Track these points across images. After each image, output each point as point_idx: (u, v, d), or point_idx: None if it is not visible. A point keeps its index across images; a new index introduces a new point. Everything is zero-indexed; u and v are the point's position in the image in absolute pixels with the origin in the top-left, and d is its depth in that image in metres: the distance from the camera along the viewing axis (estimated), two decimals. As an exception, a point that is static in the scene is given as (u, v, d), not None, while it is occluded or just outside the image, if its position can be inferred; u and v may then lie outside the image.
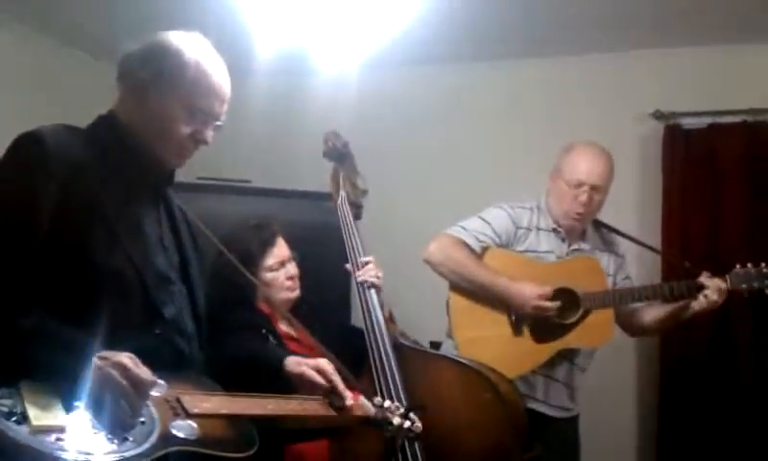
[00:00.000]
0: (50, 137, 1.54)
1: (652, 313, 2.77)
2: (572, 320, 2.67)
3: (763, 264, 2.58)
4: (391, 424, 1.82)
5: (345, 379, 1.80)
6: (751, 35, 3.55)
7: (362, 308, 2.36)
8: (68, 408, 1.35)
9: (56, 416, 1.32)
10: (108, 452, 1.31)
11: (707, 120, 3.68)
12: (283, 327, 2.36)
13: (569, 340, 2.68)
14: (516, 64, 3.99)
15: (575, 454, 2.88)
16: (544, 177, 2.87)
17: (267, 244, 2.37)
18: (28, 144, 1.53)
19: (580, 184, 2.70)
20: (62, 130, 1.60)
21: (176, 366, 1.59)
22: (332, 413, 1.76)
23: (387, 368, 2.25)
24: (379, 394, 2.12)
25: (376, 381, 2.22)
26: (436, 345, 2.89)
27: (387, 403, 1.86)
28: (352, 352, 2.21)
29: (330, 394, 1.77)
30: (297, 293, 2.42)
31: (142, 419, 1.40)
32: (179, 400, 1.48)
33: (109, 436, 1.34)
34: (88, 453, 1.29)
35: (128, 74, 1.67)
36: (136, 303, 1.57)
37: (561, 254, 2.79)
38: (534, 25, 3.59)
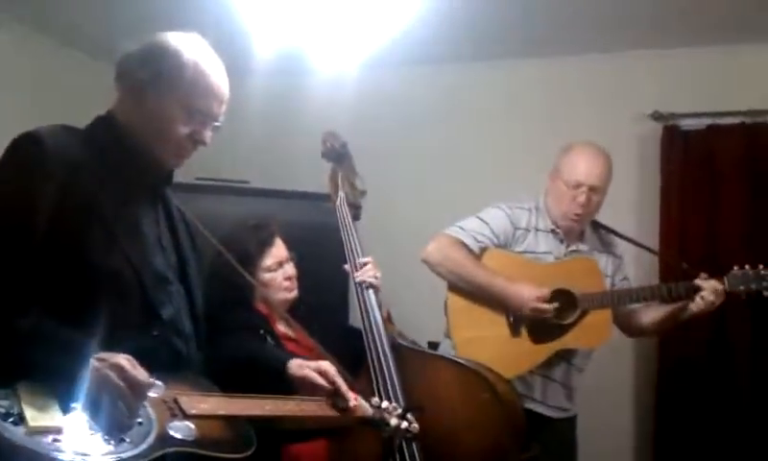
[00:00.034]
0: (48, 138, 1.54)
1: (650, 314, 2.77)
2: (570, 320, 2.67)
3: (761, 266, 2.58)
4: (388, 424, 1.83)
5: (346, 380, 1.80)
6: (749, 35, 3.54)
7: (360, 309, 2.36)
8: (65, 409, 1.35)
9: (53, 417, 1.32)
10: (105, 453, 1.32)
11: (705, 121, 3.68)
12: (281, 327, 2.36)
13: (567, 341, 2.69)
14: (514, 64, 3.99)
15: (572, 455, 2.88)
16: (543, 177, 2.87)
17: (265, 244, 2.37)
18: (26, 145, 1.53)
19: (578, 185, 2.70)
20: (61, 130, 1.61)
21: (173, 366, 1.60)
22: (329, 413, 1.76)
23: (385, 368, 2.25)
24: (377, 394, 2.12)
25: (374, 381, 2.23)
26: (434, 345, 2.89)
27: (384, 404, 1.87)
28: (350, 353, 2.21)
29: (333, 396, 1.77)
30: (295, 293, 2.42)
31: (139, 420, 1.40)
32: (176, 401, 1.48)
33: (106, 437, 1.34)
34: (85, 454, 1.29)
35: (126, 74, 1.67)
36: (134, 304, 1.57)
37: (559, 255, 2.79)
38: (533, 25, 3.59)
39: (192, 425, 1.45)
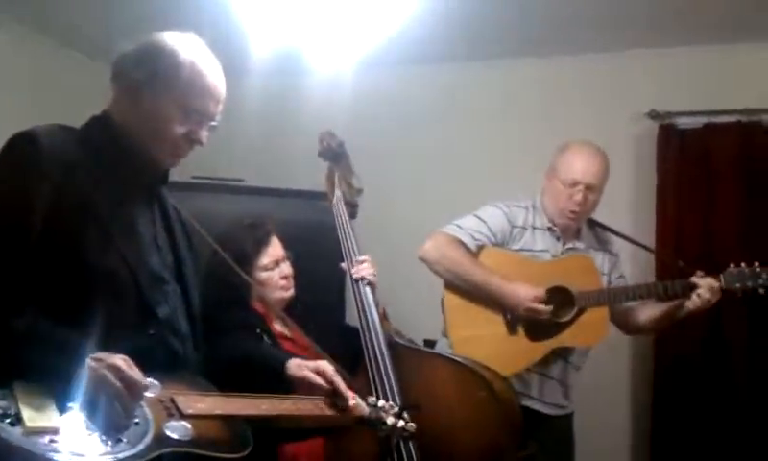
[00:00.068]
0: (44, 137, 1.54)
1: (647, 312, 2.78)
2: (567, 318, 2.67)
3: (757, 264, 2.58)
4: (385, 423, 1.83)
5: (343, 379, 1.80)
6: (746, 34, 3.55)
7: (357, 307, 2.36)
8: (62, 409, 1.35)
9: (50, 417, 1.32)
10: (102, 454, 1.31)
11: (701, 120, 3.68)
12: (278, 326, 2.36)
13: (564, 338, 2.69)
14: (511, 64, 3.99)
15: (569, 452, 2.88)
16: (540, 176, 2.88)
17: (261, 243, 2.37)
18: (22, 144, 1.53)
19: (575, 183, 2.70)
20: (57, 129, 1.60)
21: (170, 366, 1.59)
22: (327, 413, 1.76)
23: (382, 366, 2.25)
24: (374, 393, 2.12)
25: (371, 380, 2.22)
26: (430, 343, 2.90)
27: (381, 403, 1.87)
28: (347, 352, 2.22)
29: (332, 395, 1.77)
30: (291, 292, 2.42)
31: (136, 420, 1.40)
32: (173, 401, 1.47)
33: (103, 437, 1.34)
34: (82, 455, 1.29)
35: (122, 74, 1.67)
36: (130, 304, 1.57)
37: (555, 253, 2.80)
38: (530, 24, 3.59)
39: (189, 425, 1.45)
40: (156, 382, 1.46)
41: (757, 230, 3.49)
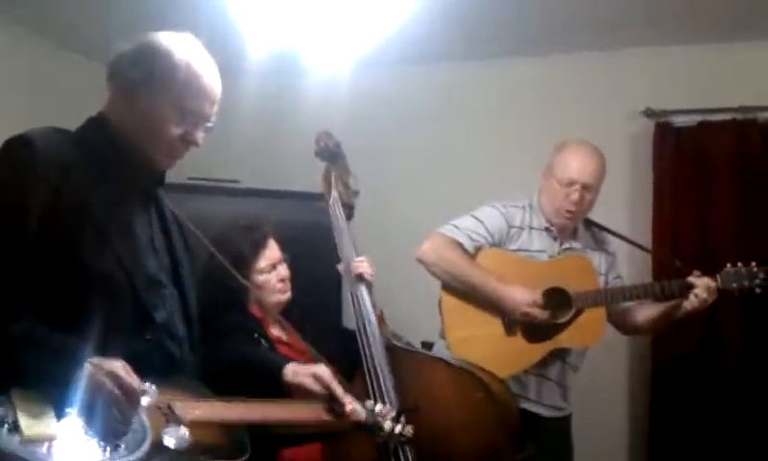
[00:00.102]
0: (39, 140, 1.53)
1: (645, 312, 2.78)
2: (564, 320, 2.67)
3: (753, 263, 2.58)
4: (382, 428, 1.82)
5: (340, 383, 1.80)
6: (741, 33, 3.55)
7: (354, 310, 2.35)
8: (60, 416, 1.34)
9: (48, 424, 1.31)
10: (100, 461, 1.31)
11: (697, 118, 3.68)
12: (274, 331, 2.35)
13: (561, 340, 2.69)
14: (508, 63, 3.99)
15: (568, 454, 2.88)
16: (537, 175, 2.87)
17: (258, 246, 2.36)
18: (17, 147, 1.52)
19: (571, 183, 2.70)
20: (52, 132, 1.60)
21: (167, 370, 1.59)
22: (324, 418, 1.75)
23: (379, 370, 2.24)
24: (371, 396, 2.12)
25: (368, 383, 2.22)
26: (428, 345, 2.89)
27: (378, 407, 1.86)
28: (344, 355, 2.21)
29: (329, 400, 1.77)
30: (288, 295, 2.41)
31: (134, 426, 1.39)
32: (170, 408, 1.47)
33: (101, 444, 1.33)
34: (79, 463, 1.29)
35: (118, 75, 1.66)
36: (127, 307, 1.57)
37: (552, 253, 2.79)
38: (527, 24, 3.59)
39: (186, 432, 1.44)
40: (153, 388, 1.45)
41: (754, 227, 3.50)
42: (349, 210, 2.51)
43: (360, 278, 2.37)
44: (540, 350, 2.69)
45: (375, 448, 2.04)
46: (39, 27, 3.79)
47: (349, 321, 2.41)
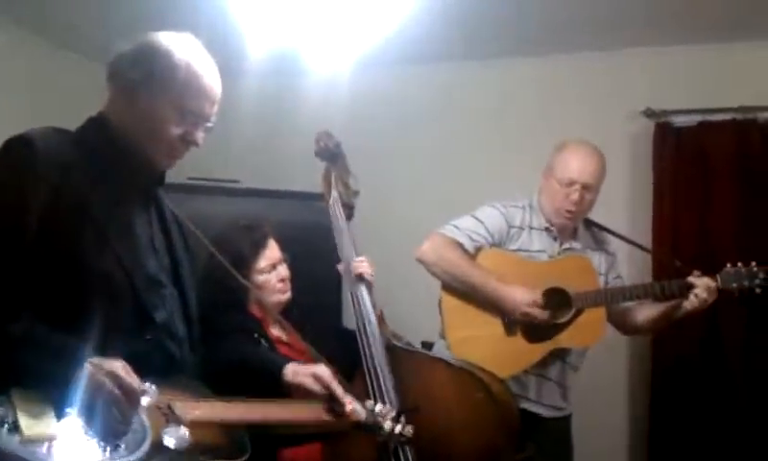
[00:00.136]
0: (39, 140, 1.53)
1: (645, 312, 2.78)
2: (565, 320, 2.67)
3: (753, 263, 2.58)
4: (382, 428, 1.82)
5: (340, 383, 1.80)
6: (741, 33, 3.55)
7: (354, 310, 2.35)
8: (60, 416, 1.34)
9: (48, 424, 1.31)
10: (100, 461, 1.31)
11: (697, 118, 3.68)
12: (274, 331, 2.35)
13: (561, 340, 2.69)
14: (508, 63, 3.98)
15: (568, 454, 2.88)
16: (537, 175, 2.87)
17: (259, 246, 2.35)
18: (17, 147, 1.52)
19: (571, 183, 2.70)
20: (52, 132, 1.59)
21: (167, 370, 1.59)
22: (325, 418, 1.75)
23: (379, 370, 2.24)
24: (371, 396, 2.12)
25: (368, 383, 2.22)
26: (428, 345, 2.89)
27: (378, 407, 1.86)
28: (345, 355, 2.21)
29: (329, 400, 1.77)
30: (288, 295, 2.41)
31: (134, 426, 1.39)
32: (170, 408, 1.47)
33: (102, 444, 1.33)
34: (79, 463, 1.29)
35: (118, 74, 1.66)
36: (127, 307, 1.56)
37: (552, 254, 2.79)
38: (527, 23, 3.58)
39: (186, 432, 1.44)
40: (153, 388, 1.45)
41: (753, 227, 3.50)
42: (349, 210, 2.51)
43: (360, 277, 2.37)
44: (540, 350, 2.68)
45: (375, 448, 2.04)
46: (39, 27, 3.79)
47: (350, 321, 2.41)
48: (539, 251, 2.78)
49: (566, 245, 2.82)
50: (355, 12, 3.33)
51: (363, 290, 2.37)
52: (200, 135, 1.69)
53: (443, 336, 2.79)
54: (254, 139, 4.08)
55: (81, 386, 1.35)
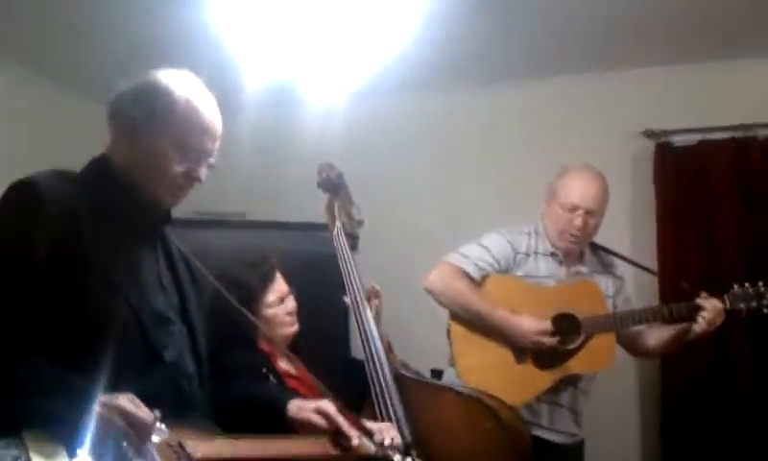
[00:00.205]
0: (43, 183, 1.53)
1: (656, 336, 2.76)
2: (575, 346, 2.64)
3: (761, 283, 2.59)
4: None
5: (347, 417, 1.78)
6: (738, 51, 3.57)
7: (361, 341, 2.34)
8: (72, 454, 1.32)
9: (60, 465, 1.30)
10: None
11: (697, 137, 3.69)
12: (283, 364, 2.32)
13: (572, 366, 2.66)
14: (505, 86, 3.98)
15: (580, 480, 2.85)
16: (538, 199, 2.87)
17: (267, 279, 2.33)
18: (21, 190, 1.52)
19: (574, 208, 2.70)
20: (55, 175, 1.59)
21: (177, 408, 1.56)
22: (331, 452, 1.74)
23: (388, 400, 2.22)
24: (381, 428, 2.08)
25: (378, 415, 2.19)
26: (437, 373, 2.87)
27: (387, 440, 1.84)
28: (353, 386, 2.19)
29: (336, 434, 1.75)
30: (296, 327, 2.39)
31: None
32: (181, 445, 1.45)
33: (114, 481, 1.31)
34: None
35: (119, 114, 1.66)
36: (135, 347, 1.55)
37: (559, 279, 2.78)
38: (523, 48, 3.61)
39: (198, 470, 1.42)
40: (163, 427, 1.43)
41: (757, 244, 3.49)
42: (353, 240, 2.51)
43: (367, 307, 2.36)
44: (550, 376, 2.66)
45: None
46: (40, 68, 3.80)
47: (357, 349, 2.39)
48: (545, 276, 2.77)
49: (574, 269, 2.80)
50: (350, 45, 3.37)
51: (370, 319, 2.36)
52: (203, 172, 1.69)
53: (452, 364, 2.77)
54: (255, 170, 4.08)
55: (90, 425, 1.33)
